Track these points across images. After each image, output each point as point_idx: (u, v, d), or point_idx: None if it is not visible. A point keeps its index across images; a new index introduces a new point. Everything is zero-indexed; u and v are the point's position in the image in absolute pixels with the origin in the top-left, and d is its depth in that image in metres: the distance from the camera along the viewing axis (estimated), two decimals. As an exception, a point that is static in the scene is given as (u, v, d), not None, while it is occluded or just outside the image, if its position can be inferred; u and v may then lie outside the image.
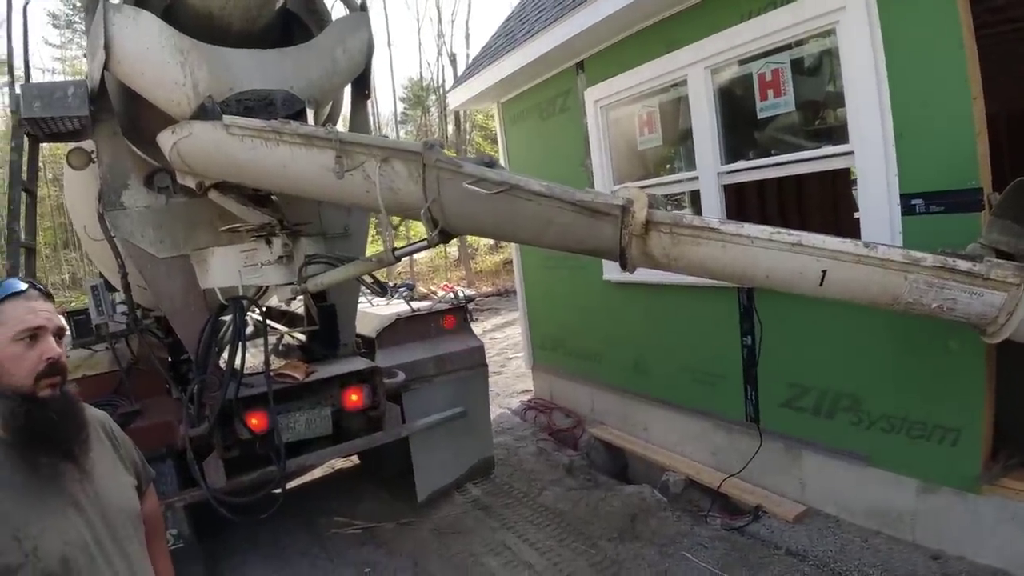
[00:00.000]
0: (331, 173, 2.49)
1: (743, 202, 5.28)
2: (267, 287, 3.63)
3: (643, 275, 4.52)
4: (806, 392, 3.88)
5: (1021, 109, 10.15)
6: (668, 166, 5.02)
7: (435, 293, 13.47)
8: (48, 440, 1.38)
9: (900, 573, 3.27)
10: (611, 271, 5.18)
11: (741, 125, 4.17)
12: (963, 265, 2.17)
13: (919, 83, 3.09)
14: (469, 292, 17.74)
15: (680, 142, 4.70)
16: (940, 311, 2.24)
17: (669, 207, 2.18)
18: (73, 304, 5.66)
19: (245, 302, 3.42)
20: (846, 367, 3.65)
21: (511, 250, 8.16)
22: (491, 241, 25.43)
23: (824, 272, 1.98)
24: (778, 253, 1.97)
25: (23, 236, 3.55)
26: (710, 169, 4.17)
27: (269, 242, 3.24)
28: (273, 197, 3.39)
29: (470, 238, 24.02)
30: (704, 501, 4.31)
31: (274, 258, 3.22)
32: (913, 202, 3.18)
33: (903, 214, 3.22)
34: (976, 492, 3.18)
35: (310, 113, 3.09)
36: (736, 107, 4.15)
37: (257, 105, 2.91)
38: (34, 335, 1.38)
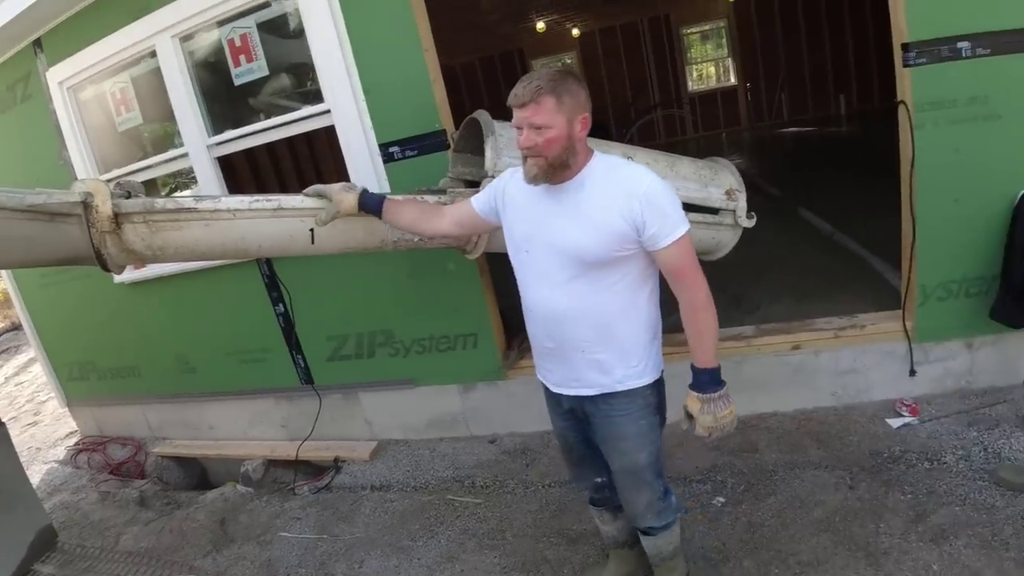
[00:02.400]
0: None
1: (255, 173, 5.22)
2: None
3: (156, 268, 4.20)
4: (345, 341, 4.14)
5: (489, 55, 12.14)
6: (165, 145, 4.62)
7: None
8: None
9: (468, 465, 3.78)
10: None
11: (223, 94, 4.02)
12: (431, 198, 2.53)
13: (376, 40, 3.37)
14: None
15: (166, 118, 4.35)
16: (424, 243, 2.58)
17: (188, 189, 2.01)
18: None
19: None
20: (372, 308, 3.98)
21: (4, 276, 6.66)
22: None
23: (312, 231, 2.08)
24: (264, 221, 2.00)
25: None
26: (198, 143, 3.96)
27: None
28: None
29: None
30: (288, 475, 4.32)
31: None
32: (391, 150, 3.52)
33: (385, 162, 3.54)
34: (503, 379, 3.86)
35: None
36: (214, 76, 3.98)
37: None
38: None
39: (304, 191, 2.09)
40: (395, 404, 4.17)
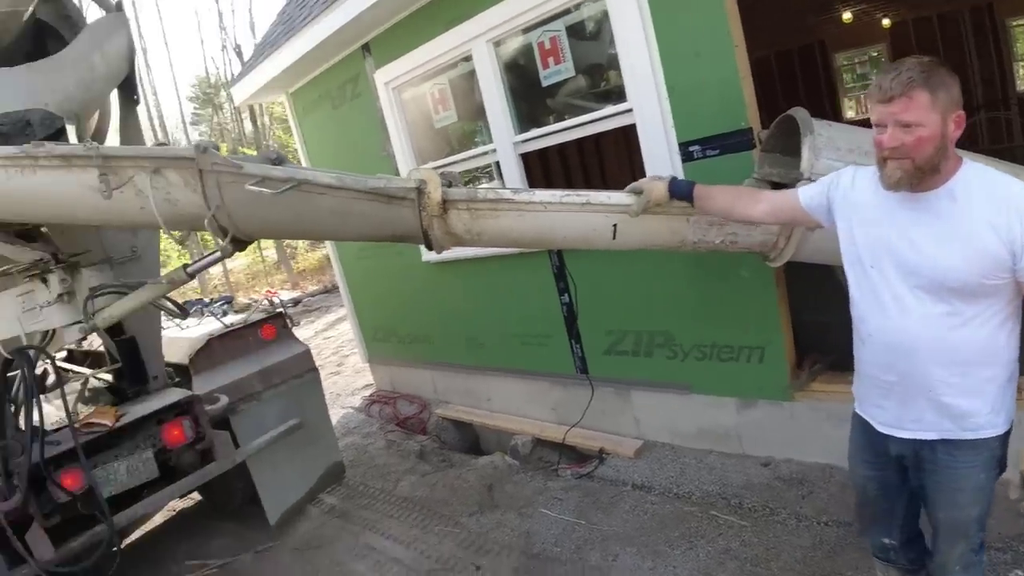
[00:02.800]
0: (98, 193, 2.24)
1: (545, 168, 5.51)
2: (54, 331, 3.23)
3: (460, 251, 4.57)
4: (624, 337, 4.16)
5: (787, 49, 11.42)
6: (473, 141, 5.07)
7: (257, 301, 12.74)
8: None
9: (737, 484, 3.57)
10: (428, 252, 5.15)
11: (530, 94, 4.28)
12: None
13: (684, 38, 3.31)
14: (294, 294, 17.01)
15: (476, 116, 4.75)
16: (725, 245, 2.47)
17: (482, 181, 2.21)
18: None
19: (32, 352, 3.03)
20: (655, 308, 3.94)
21: (328, 246, 7.89)
22: (310, 239, 24.49)
23: (615, 226, 2.10)
24: (571, 214, 2.07)
25: None
26: (506, 140, 4.27)
27: (45, 280, 2.89)
28: (43, 229, 3.01)
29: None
30: (553, 456, 4.49)
31: (53, 297, 2.88)
32: (691, 149, 3.44)
33: (683, 161, 3.48)
34: (789, 399, 3.55)
35: (71, 129, 2.76)
36: (522, 77, 4.25)
37: (12, 129, 2.56)
38: None
39: (625, 189, 2.12)
40: (666, 407, 4.10)
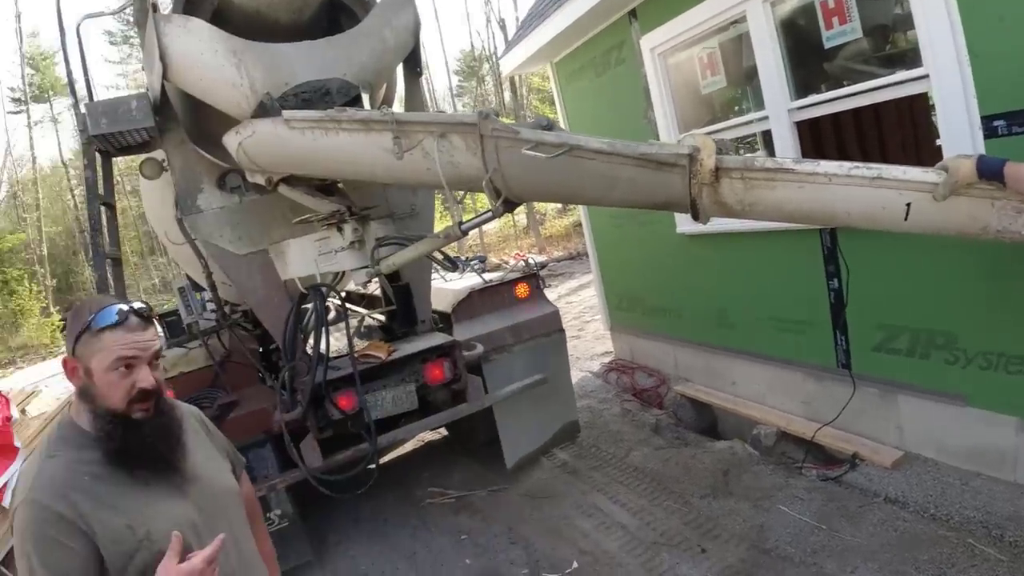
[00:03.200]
0: (391, 155, 2.50)
1: (817, 139, 5.04)
2: (343, 272, 3.72)
3: (719, 224, 4.41)
4: (899, 333, 3.70)
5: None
6: (736, 108, 4.81)
7: (507, 263, 13.46)
8: (144, 457, 1.45)
9: (1002, 514, 3.12)
10: (684, 223, 5.05)
11: (808, 57, 3.95)
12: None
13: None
14: (541, 258, 17.71)
15: (746, 81, 4.49)
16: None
17: (741, 151, 2.09)
18: (165, 306, 6.02)
19: (324, 289, 3.52)
20: (939, 304, 3.45)
21: (579, 212, 8.06)
22: (559, 205, 25.27)
23: (908, 205, 1.85)
24: (858, 189, 1.86)
25: (108, 248, 3.70)
26: (780, 106, 3.97)
27: (340, 229, 3.31)
28: (339, 185, 3.45)
29: (537, 204, 23.93)
30: (797, 453, 4.19)
31: (346, 244, 3.29)
32: (995, 124, 2.95)
33: (985, 137, 2.99)
34: (1089, 430, 2.96)
35: (365, 97, 3.10)
36: (801, 39, 3.92)
37: (314, 96, 2.94)
38: (129, 364, 1.43)
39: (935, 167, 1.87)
40: (937, 418, 3.60)
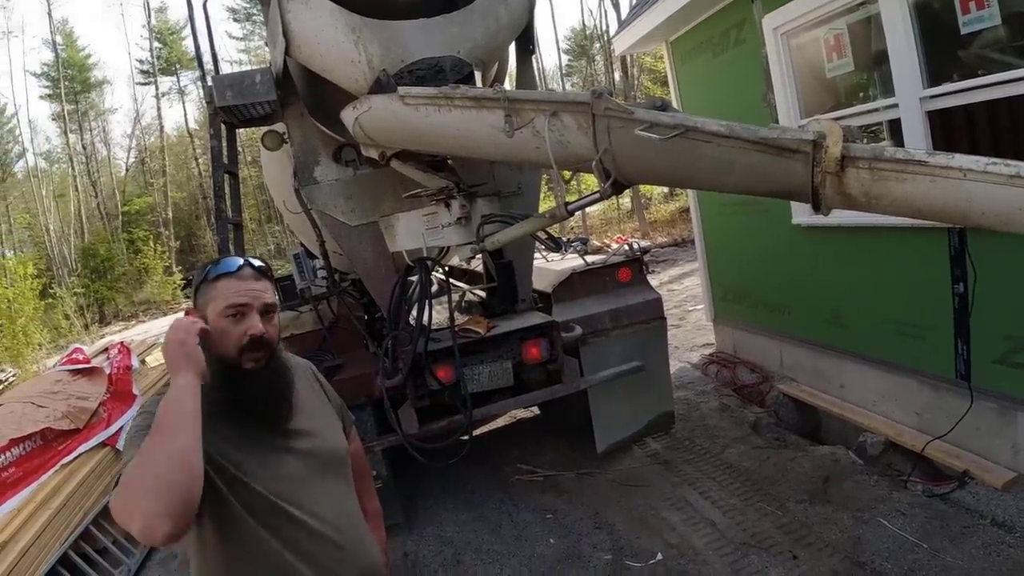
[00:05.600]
0: (502, 132, 2.51)
1: (949, 131, 4.67)
2: (448, 247, 3.78)
3: (838, 217, 4.13)
4: (1026, 346, 3.39)
5: None
6: (862, 94, 4.52)
7: (609, 246, 13.30)
8: (252, 409, 1.51)
9: None
10: (801, 214, 4.81)
11: (942, 43, 3.66)
12: None
13: None
14: (644, 243, 17.39)
15: (875, 66, 4.20)
16: None
17: (865, 140, 1.95)
18: (279, 272, 6.40)
19: (429, 263, 3.61)
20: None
21: (687, 198, 7.83)
22: (665, 190, 24.73)
23: (1047, 207, 1.68)
24: (994, 188, 1.69)
25: (230, 214, 3.92)
26: (911, 94, 3.70)
27: (448, 205, 3.37)
28: (449, 161, 3.50)
29: (643, 188, 23.49)
30: (904, 465, 3.94)
31: (453, 220, 3.35)
32: None
33: None
34: None
35: (478, 75, 3.12)
36: (935, 23, 3.63)
37: (428, 73, 2.98)
38: (239, 312, 1.49)
39: None
40: (1058, 442, 3.29)
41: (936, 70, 3.68)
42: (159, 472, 1.22)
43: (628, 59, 25.48)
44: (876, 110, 4.12)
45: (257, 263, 1.58)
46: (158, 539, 1.19)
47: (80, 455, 4.92)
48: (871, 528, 3.40)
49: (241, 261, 1.55)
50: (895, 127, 3.97)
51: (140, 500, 1.21)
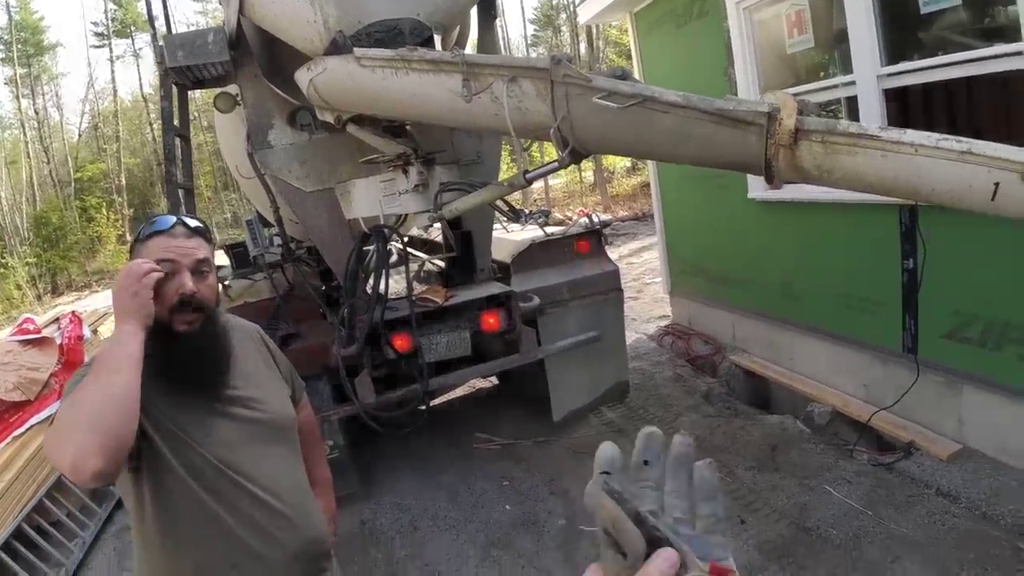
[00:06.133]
0: (459, 97, 2.47)
1: (905, 110, 4.76)
2: (406, 215, 3.74)
3: (792, 192, 4.24)
4: (972, 321, 3.50)
5: None
6: (822, 71, 4.57)
7: (571, 219, 13.32)
8: (184, 374, 1.47)
9: None
10: (756, 189, 4.87)
11: (902, 23, 3.70)
12: None
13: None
14: (605, 217, 17.45)
15: (835, 44, 4.24)
16: None
17: (821, 114, 1.96)
18: (234, 239, 6.31)
19: (387, 231, 3.56)
20: (1020, 295, 3.25)
21: (648, 172, 7.87)
22: (628, 164, 24.82)
23: (997, 185, 1.72)
24: (945, 163, 1.73)
25: (181, 178, 3.80)
26: (869, 72, 3.75)
27: (405, 172, 3.32)
28: (407, 127, 3.44)
29: (605, 161, 23.53)
30: (851, 435, 4.08)
31: (411, 187, 3.30)
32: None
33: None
34: None
35: (438, 39, 3.05)
36: (896, 2, 3.67)
37: (386, 36, 2.91)
38: (170, 270, 1.44)
39: None
40: (1002, 414, 3.43)
41: (895, 49, 3.72)
42: (95, 409, 1.21)
43: (594, 30, 25.34)
44: (835, 87, 4.16)
45: (192, 222, 1.53)
46: (87, 475, 1.18)
47: (31, 427, 4.80)
48: (817, 495, 3.50)
49: (174, 219, 1.50)
50: (852, 104, 4.02)
51: (74, 434, 1.20)
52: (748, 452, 4.04)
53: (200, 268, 1.49)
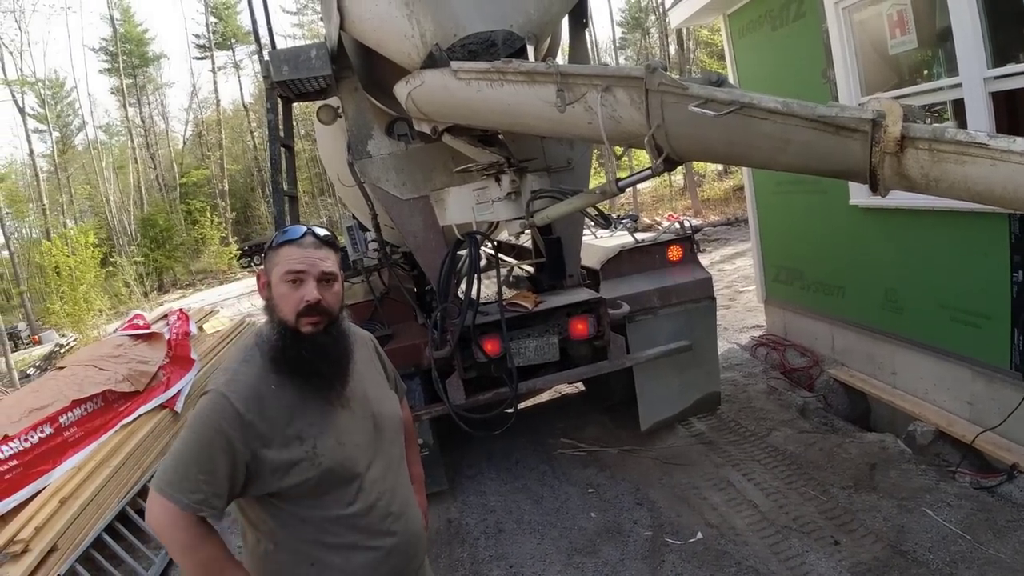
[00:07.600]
0: (553, 107, 2.51)
1: (1015, 114, 4.46)
2: (498, 222, 3.82)
3: (897, 199, 4.05)
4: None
5: None
6: (925, 72, 4.34)
7: (659, 224, 13.14)
8: (308, 372, 1.56)
9: None
10: (859, 195, 4.66)
11: (1009, 22, 3.49)
12: None
13: None
14: (696, 222, 17.12)
15: (938, 44, 4.02)
16: None
17: (928, 120, 1.88)
18: (333, 243, 6.56)
19: (479, 237, 3.65)
20: None
21: (741, 176, 7.69)
22: (718, 167, 24.24)
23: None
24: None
25: (285, 186, 4.01)
26: (975, 74, 3.53)
27: (498, 179, 3.40)
28: (500, 136, 3.51)
29: (696, 165, 23.06)
30: (953, 455, 3.86)
31: (503, 194, 3.37)
32: None
33: None
34: None
35: (530, 49, 3.11)
36: (1002, 1, 3.47)
37: (480, 48, 2.99)
38: (297, 278, 1.54)
39: None
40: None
41: (1003, 51, 3.51)
42: None
43: (684, 32, 24.89)
44: (939, 89, 3.97)
45: (322, 232, 1.62)
46: None
47: (139, 416, 5.15)
48: (915, 518, 3.34)
49: (304, 229, 1.60)
50: (959, 108, 3.82)
51: None
52: (845, 470, 3.88)
53: (326, 277, 1.59)
